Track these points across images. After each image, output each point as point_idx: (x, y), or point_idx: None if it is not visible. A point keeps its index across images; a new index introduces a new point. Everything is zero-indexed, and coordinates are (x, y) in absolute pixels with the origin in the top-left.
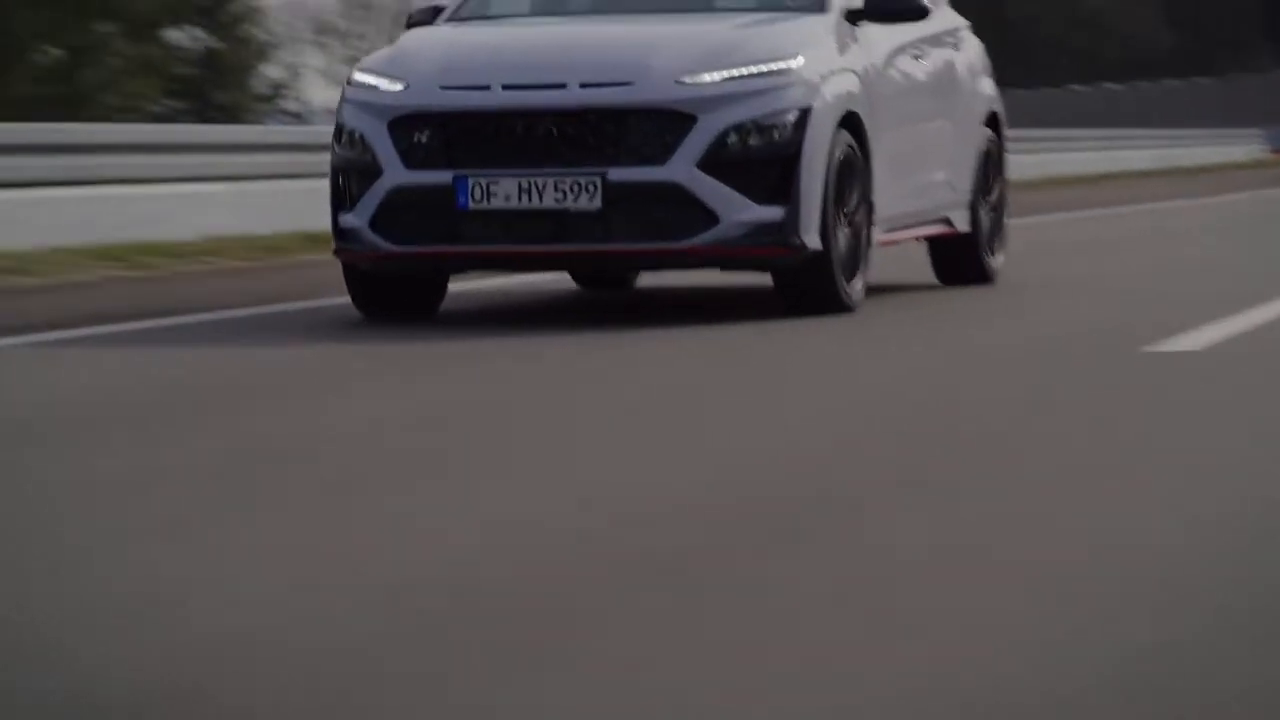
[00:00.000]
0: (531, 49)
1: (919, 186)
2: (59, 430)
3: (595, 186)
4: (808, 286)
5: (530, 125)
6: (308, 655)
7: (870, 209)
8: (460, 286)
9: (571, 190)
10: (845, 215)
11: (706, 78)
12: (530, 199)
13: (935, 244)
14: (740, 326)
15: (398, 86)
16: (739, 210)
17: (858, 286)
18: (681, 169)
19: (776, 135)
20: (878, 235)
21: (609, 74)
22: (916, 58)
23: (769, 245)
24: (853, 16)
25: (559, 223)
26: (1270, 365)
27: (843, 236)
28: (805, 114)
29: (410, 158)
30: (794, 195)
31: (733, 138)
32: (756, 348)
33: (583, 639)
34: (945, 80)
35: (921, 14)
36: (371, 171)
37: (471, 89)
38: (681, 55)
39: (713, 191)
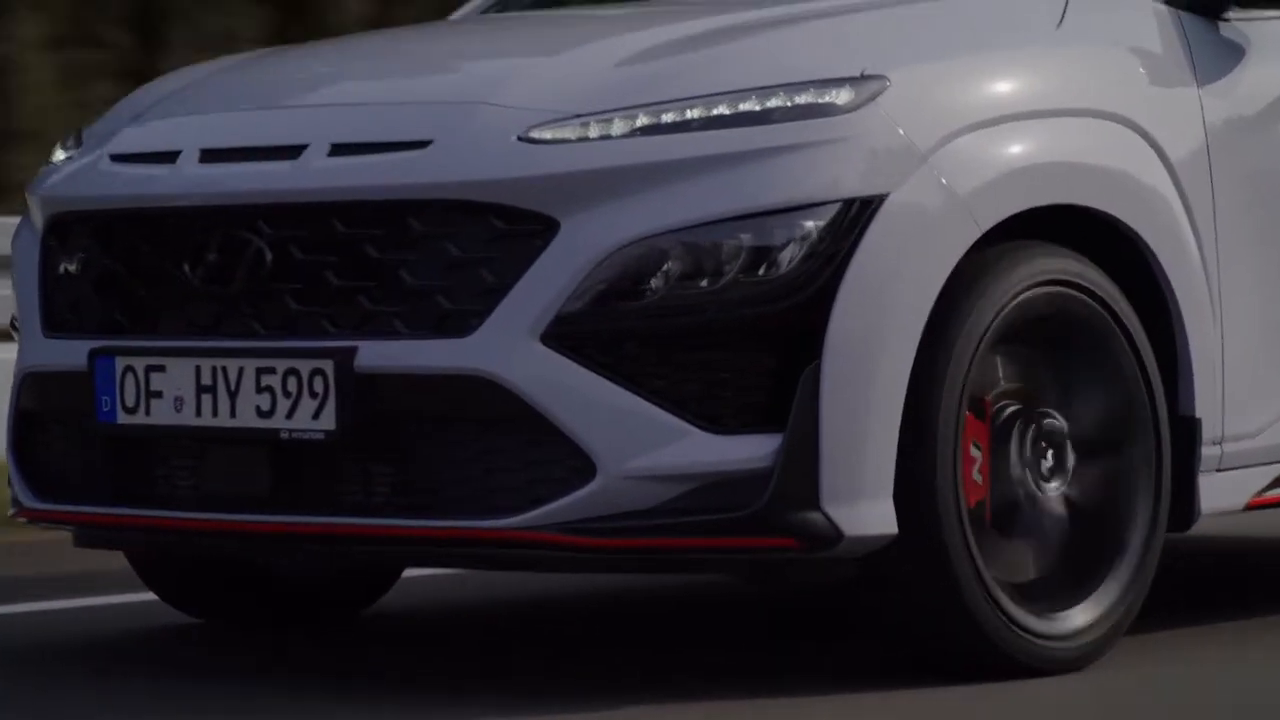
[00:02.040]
0: (302, 75)
1: None
2: None
3: (325, 383)
4: (892, 623)
5: (229, 239)
6: None
7: (1186, 429)
8: None
9: (285, 389)
10: (1045, 454)
11: (595, 129)
12: (218, 406)
13: None
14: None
15: (61, 156)
16: (652, 443)
17: (1075, 619)
18: (504, 344)
19: (765, 267)
20: (1223, 491)
21: (390, 126)
22: None
23: (729, 530)
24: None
25: (273, 463)
26: None
27: (1028, 509)
28: (853, 214)
29: (53, 309)
30: (808, 408)
31: (648, 272)
32: None
33: None
34: None
35: None
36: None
37: (149, 160)
38: (564, 78)
39: (582, 399)
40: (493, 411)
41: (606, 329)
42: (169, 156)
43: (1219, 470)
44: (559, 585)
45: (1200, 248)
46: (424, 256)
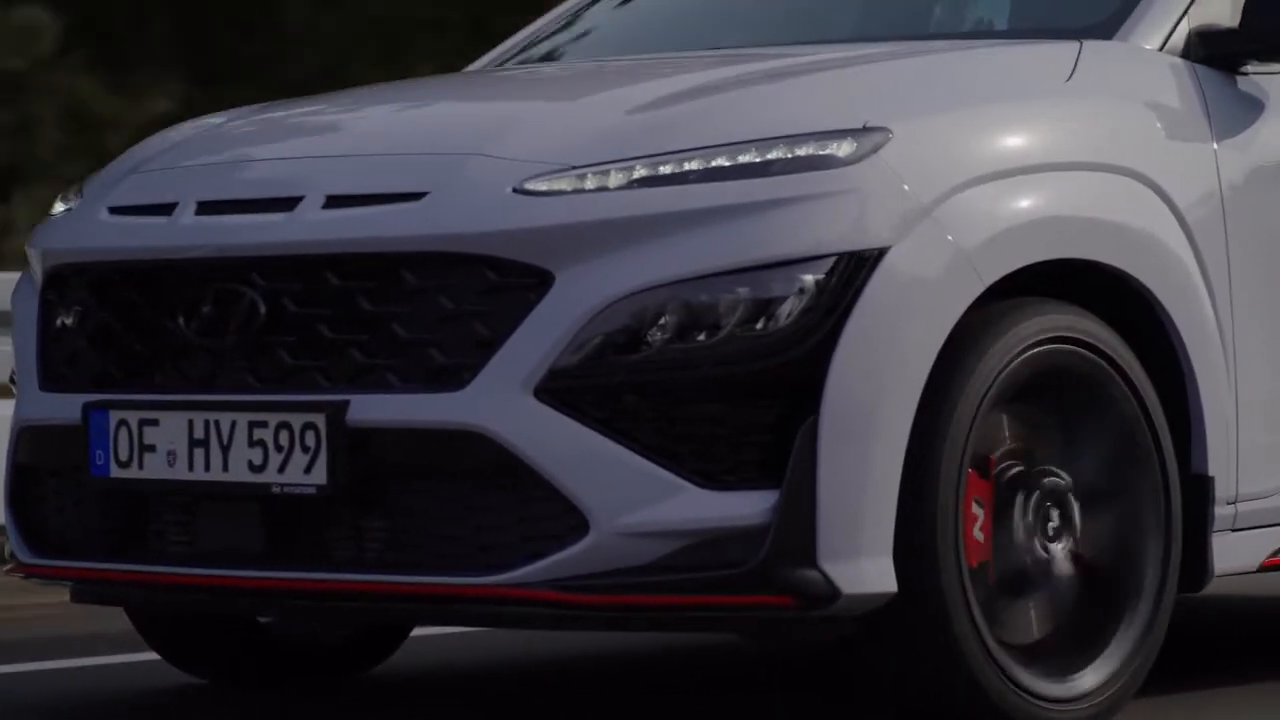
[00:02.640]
0: (301, 128)
1: None
2: None
3: (316, 437)
4: (892, 685)
5: (224, 292)
6: None
7: (1199, 488)
8: None
9: (277, 443)
10: (1051, 513)
11: (591, 181)
12: (210, 460)
13: None
14: None
15: (61, 209)
16: (647, 499)
17: (1082, 682)
18: (497, 398)
19: (763, 321)
20: (1236, 552)
21: (385, 178)
22: None
23: (724, 587)
24: (1219, 51)
25: (265, 518)
26: None
27: (1033, 569)
28: (853, 267)
29: (49, 362)
30: (806, 464)
31: (644, 326)
32: None
33: None
34: None
35: None
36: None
37: (147, 212)
38: (561, 130)
39: (575, 454)
40: (485, 466)
41: (601, 383)
42: (166, 208)
43: (1233, 530)
44: (565, 643)
45: (1214, 304)
46: (417, 309)
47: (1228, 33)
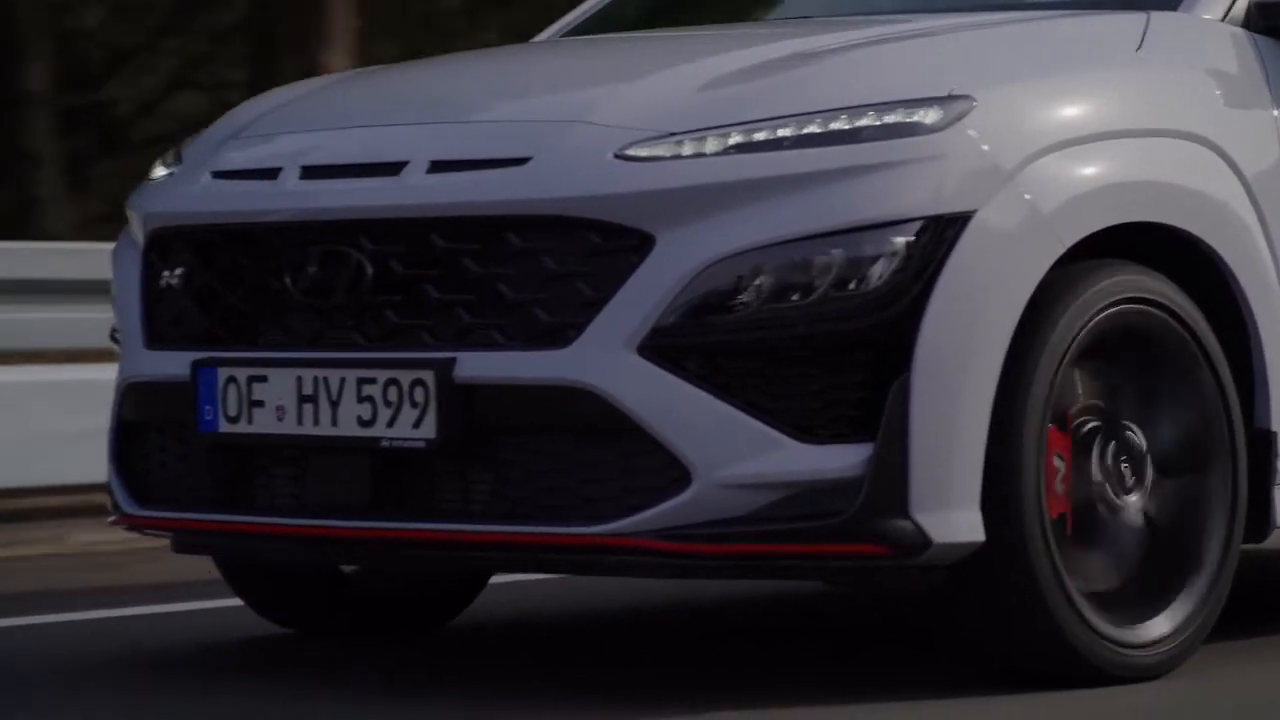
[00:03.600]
0: (399, 95)
1: None
2: None
3: (425, 393)
4: (976, 630)
5: (330, 254)
6: None
7: (1263, 443)
8: None
9: (386, 399)
10: (1125, 467)
11: (689, 147)
12: (320, 416)
13: None
14: None
15: (161, 173)
16: (746, 452)
17: (1154, 629)
18: (602, 356)
19: (856, 282)
20: None
21: (488, 144)
22: None
23: (821, 537)
24: (1277, 22)
25: (374, 471)
26: None
27: (1107, 520)
28: (941, 230)
29: (155, 321)
30: (898, 419)
31: (742, 286)
32: None
33: None
34: None
35: None
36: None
37: (251, 176)
38: (658, 98)
39: (677, 409)
40: (590, 421)
41: (701, 341)
42: (270, 173)
43: (1275, 482)
44: (633, 593)
45: (1277, 265)
46: (522, 270)
47: None
